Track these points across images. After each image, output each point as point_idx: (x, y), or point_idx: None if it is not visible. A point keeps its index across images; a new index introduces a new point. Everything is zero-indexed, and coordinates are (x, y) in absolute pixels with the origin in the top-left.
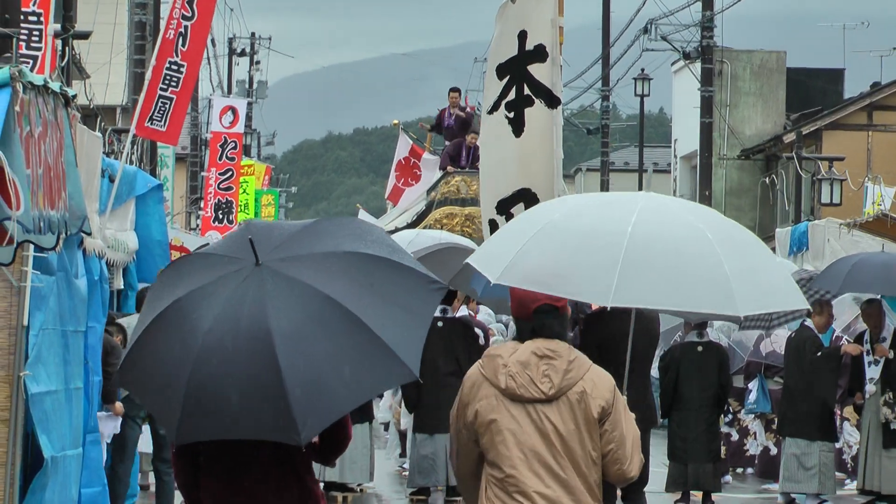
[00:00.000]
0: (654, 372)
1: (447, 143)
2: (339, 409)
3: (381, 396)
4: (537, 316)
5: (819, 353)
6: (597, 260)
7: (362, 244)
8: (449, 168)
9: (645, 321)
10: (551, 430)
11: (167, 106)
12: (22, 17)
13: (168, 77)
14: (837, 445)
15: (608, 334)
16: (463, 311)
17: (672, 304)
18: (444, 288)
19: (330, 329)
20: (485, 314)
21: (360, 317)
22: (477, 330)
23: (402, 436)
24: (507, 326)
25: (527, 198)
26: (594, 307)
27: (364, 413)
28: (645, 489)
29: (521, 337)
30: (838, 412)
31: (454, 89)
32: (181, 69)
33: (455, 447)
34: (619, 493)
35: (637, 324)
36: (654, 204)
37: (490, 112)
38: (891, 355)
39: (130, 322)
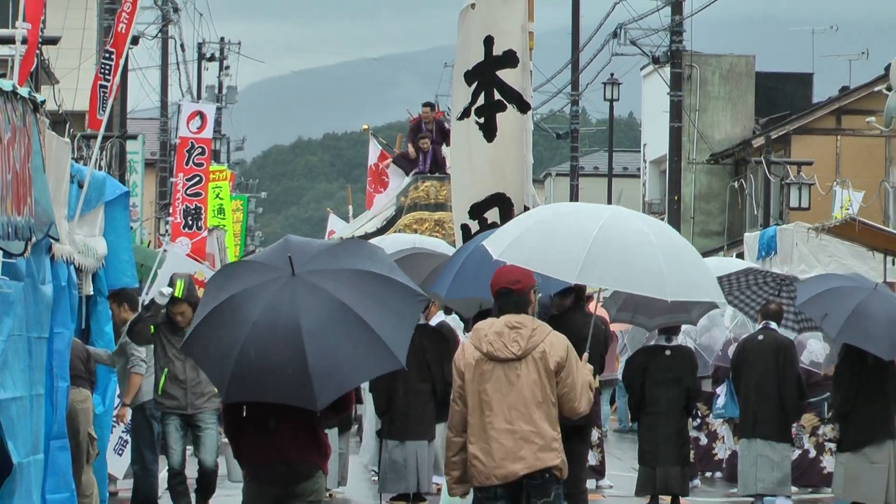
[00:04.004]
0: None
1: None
2: (346, 386)
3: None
4: (499, 295)
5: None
6: (569, 247)
7: (371, 264)
8: (401, 168)
9: (596, 325)
10: (520, 380)
11: (105, 95)
12: None
13: (107, 67)
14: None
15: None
16: (441, 317)
17: (618, 286)
18: (426, 299)
19: (342, 327)
20: (453, 322)
21: (364, 319)
22: (448, 336)
23: None
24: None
25: (500, 202)
26: (555, 311)
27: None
28: (612, 492)
29: (496, 313)
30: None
31: (427, 104)
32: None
33: (454, 395)
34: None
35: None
36: (619, 214)
37: (460, 118)
38: (830, 372)
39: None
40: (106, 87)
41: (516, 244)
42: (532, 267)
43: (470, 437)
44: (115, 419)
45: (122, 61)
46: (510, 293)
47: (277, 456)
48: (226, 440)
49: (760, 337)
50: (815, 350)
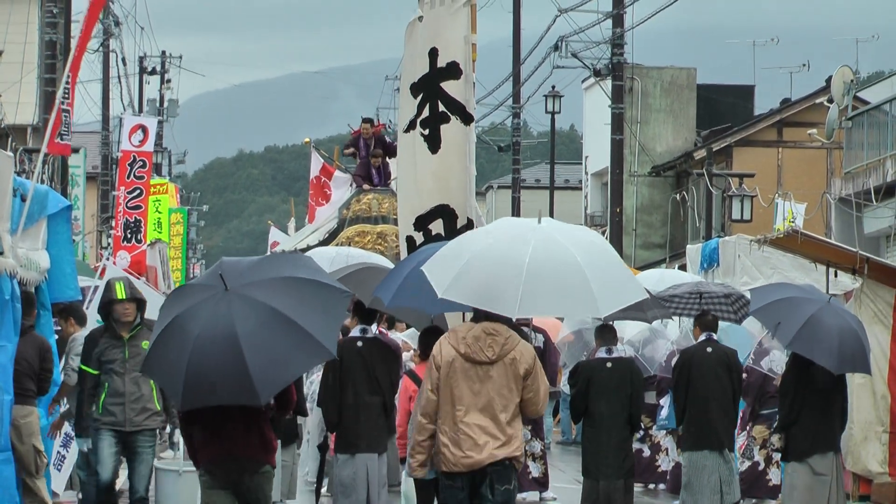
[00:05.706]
0: (566, 388)
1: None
2: (284, 381)
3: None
4: None
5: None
6: (505, 283)
7: (296, 270)
8: (364, 186)
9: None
10: (491, 381)
11: (68, 118)
12: None
13: (66, 91)
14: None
15: None
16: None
17: (554, 313)
18: (349, 294)
19: (274, 329)
20: (411, 335)
21: (295, 320)
22: (395, 350)
23: None
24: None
25: (445, 214)
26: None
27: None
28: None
29: (476, 319)
30: (747, 430)
31: (366, 119)
32: (68, 80)
33: (426, 388)
34: None
35: None
36: (544, 236)
37: (406, 130)
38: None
39: None
40: (68, 111)
41: (457, 282)
42: (475, 304)
43: (440, 426)
44: (49, 433)
45: (65, 78)
46: None
47: (228, 452)
48: (158, 466)
49: (709, 349)
50: (776, 359)
